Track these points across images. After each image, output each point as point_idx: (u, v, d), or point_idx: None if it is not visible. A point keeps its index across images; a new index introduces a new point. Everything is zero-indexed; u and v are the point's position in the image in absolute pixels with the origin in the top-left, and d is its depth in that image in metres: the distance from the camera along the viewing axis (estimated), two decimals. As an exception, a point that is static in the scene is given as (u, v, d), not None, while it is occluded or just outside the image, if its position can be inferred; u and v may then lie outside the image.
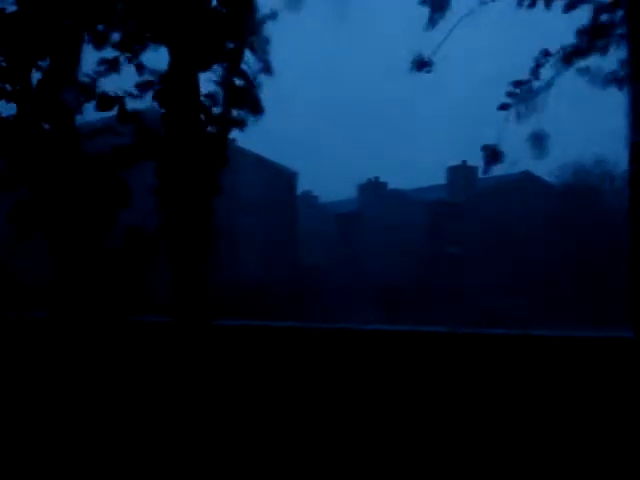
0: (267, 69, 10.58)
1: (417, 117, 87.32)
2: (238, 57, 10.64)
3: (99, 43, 10.43)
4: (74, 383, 9.06)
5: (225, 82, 10.51)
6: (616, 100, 10.37)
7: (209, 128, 10.43)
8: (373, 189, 57.82)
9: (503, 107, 9.86)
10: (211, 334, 9.74)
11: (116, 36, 10.55)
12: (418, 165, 76.33)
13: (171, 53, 10.23)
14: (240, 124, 10.70)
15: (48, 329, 10.19)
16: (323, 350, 10.10)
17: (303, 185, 56.04)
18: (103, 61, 10.59)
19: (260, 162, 48.71)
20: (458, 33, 10.57)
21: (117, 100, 10.27)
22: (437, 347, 11.02)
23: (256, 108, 10.63)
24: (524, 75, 9.98)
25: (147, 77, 10.60)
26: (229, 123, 10.61)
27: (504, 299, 45.40)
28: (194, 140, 10.07)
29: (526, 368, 9.76)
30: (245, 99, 10.49)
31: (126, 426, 7.38)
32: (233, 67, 10.56)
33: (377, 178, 58.48)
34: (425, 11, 9.93)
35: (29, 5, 9.79)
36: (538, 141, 10.31)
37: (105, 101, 10.28)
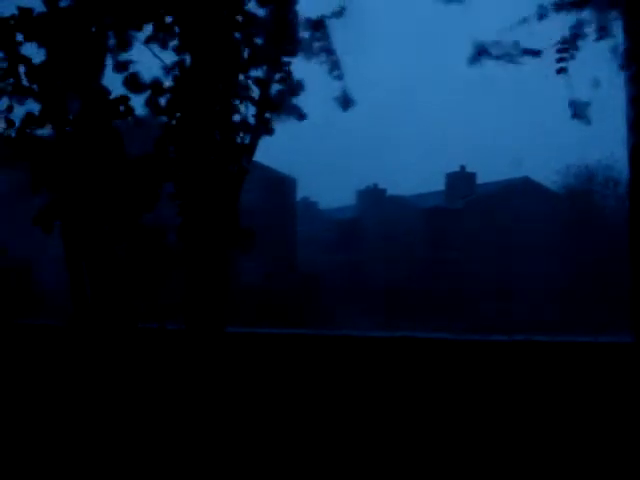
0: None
1: (415, 124, 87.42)
2: (277, 60, 10.33)
3: (123, 47, 10.33)
4: (86, 391, 9.15)
5: (262, 86, 10.23)
6: (617, 104, 10.57)
7: (235, 135, 10.25)
8: (372, 195, 57.92)
9: (561, 71, 10.13)
10: (225, 342, 9.80)
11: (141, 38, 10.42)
12: (417, 172, 76.47)
13: (193, 57, 10.06)
14: (269, 131, 10.47)
15: (63, 337, 10.29)
16: (333, 356, 10.26)
17: (302, 191, 56.12)
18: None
19: (259, 169, 48.79)
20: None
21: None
22: (439, 354, 11.19)
23: (296, 113, 10.40)
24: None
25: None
26: (260, 130, 10.38)
27: (503, 303, 45.53)
28: (217, 149, 9.97)
29: (528, 373, 9.93)
30: (281, 104, 10.26)
31: (139, 434, 7.50)
32: (272, 71, 10.27)
33: (376, 185, 58.58)
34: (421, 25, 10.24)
35: (57, 7, 9.72)
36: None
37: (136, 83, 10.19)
